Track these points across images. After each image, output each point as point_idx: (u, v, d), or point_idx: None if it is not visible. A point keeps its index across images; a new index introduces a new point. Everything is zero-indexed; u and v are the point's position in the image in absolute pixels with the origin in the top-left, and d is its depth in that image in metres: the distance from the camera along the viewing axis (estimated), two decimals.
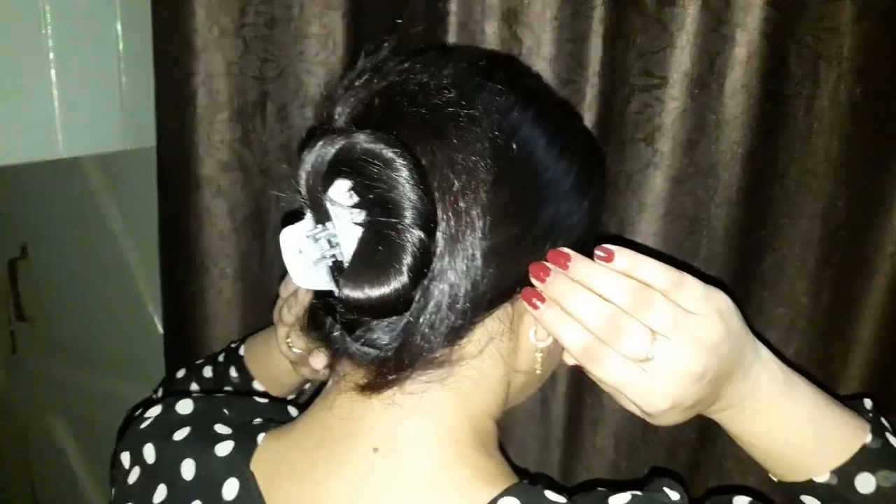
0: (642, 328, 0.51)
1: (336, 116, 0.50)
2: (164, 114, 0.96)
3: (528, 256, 0.53)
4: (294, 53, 0.91)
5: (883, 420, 0.62)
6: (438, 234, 0.48)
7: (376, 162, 0.45)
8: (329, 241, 0.48)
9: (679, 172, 0.80)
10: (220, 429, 0.60)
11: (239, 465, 0.56)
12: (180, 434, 0.59)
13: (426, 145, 0.48)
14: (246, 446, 0.57)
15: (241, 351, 0.83)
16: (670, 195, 0.81)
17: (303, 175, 0.47)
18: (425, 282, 0.48)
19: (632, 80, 0.79)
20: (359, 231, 0.47)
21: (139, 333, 1.50)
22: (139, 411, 0.64)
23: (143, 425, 0.62)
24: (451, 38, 0.82)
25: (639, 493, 0.50)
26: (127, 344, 1.56)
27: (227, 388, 0.81)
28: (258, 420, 0.62)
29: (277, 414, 0.64)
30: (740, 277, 0.84)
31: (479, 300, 0.50)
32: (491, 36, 0.81)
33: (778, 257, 0.84)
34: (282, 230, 0.49)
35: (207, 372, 0.83)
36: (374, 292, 0.46)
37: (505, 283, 0.52)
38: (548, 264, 0.52)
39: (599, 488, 0.53)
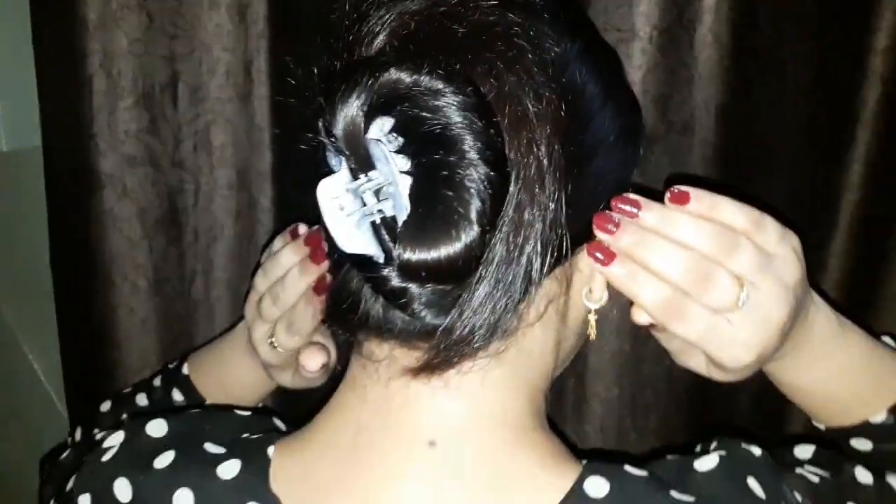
0: (731, 275, 0.46)
1: (369, 43, 0.42)
2: (51, 105, 0.82)
3: (591, 205, 0.47)
4: (209, 27, 0.80)
5: None
6: (511, 175, 0.40)
7: (428, 93, 0.38)
8: (376, 194, 0.40)
9: (651, 131, 0.75)
10: (213, 448, 0.49)
11: (254, 487, 0.47)
12: (162, 461, 0.49)
13: (487, 71, 0.40)
14: (256, 464, 0.48)
15: (185, 370, 0.71)
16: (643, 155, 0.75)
17: (340, 117, 0.38)
18: (498, 233, 0.41)
19: None
20: (410, 179, 0.39)
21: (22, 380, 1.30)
22: (86, 447, 0.54)
23: (106, 457, 0.50)
24: None
25: (723, 452, 0.47)
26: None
27: None
28: (254, 434, 0.51)
29: (265, 428, 0.53)
30: None
31: (548, 255, 0.43)
32: None
33: None
34: (318, 184, 0.40)
35: (141, 400, 0.71)
36: (443, 250, 0.38)
37: (574, 234, 0.44)
38: (614, 214, 0.47)
39: (669, 456, 0.49)
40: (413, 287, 0.41)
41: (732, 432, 0.51)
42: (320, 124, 0.40)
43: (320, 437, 0.49)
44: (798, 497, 0.47)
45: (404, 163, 0.39)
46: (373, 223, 0.40)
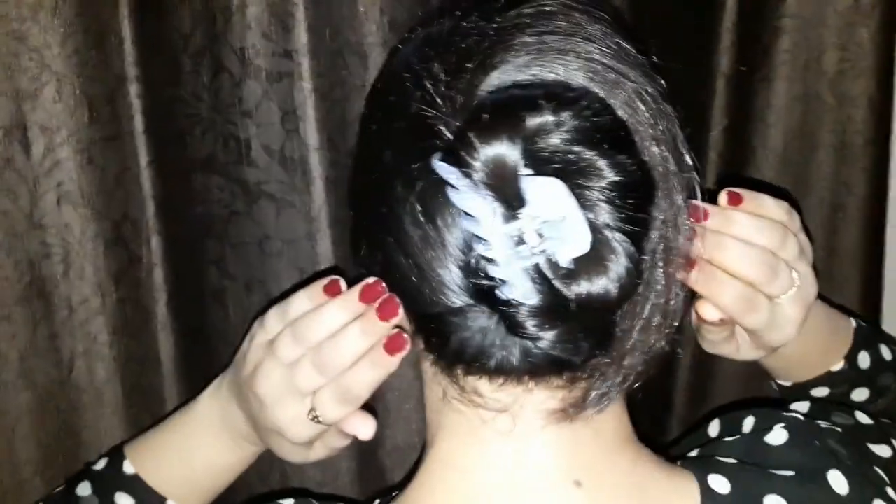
0: (786, 265, 0.52)
1: (479, 75, 0.40)
2: None
3: None
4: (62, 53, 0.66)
5: None
6: (658, 188, 0.41)
7: (572, 130, 0.37)
8: (538, 233, 0.37)
9: None
10: None
11: None
12: None
13: (610, 86, 0.41)
14: None
15: (129, 467, 0.58)
16: None
17: (485, 156, 0.36)
18: (650, 258, 0.42)
19: None
20: (567, 203, 0.36)
21: None
22: None
23: None
24: (301, 13, 0.67)
25: (784, 423, 0.51)
26: None
27: None
28: None
29: None
30: None
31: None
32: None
33: None
34: (484, 245, 0.38)
35: None
36: (601, 283, 0.37)
37: None
38: None
39: (725, 439, 0.53)
40: (564, 325, 0.38)
41: (746, 404, 0.57)
42: (447, 163, 0.37)
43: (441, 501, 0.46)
44: (837, 447, 0.51)
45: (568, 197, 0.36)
46: (539, 263, 0.37)
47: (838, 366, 0.63)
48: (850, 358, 0.64)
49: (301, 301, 0.52)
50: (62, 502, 0.59)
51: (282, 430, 0.52)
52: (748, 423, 0.54)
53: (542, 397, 0.44)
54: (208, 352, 0.75)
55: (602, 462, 0.46)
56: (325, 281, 0.52)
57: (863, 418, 0.56)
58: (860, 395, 0.65)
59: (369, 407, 0.53)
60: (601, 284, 0.36)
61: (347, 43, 0.71)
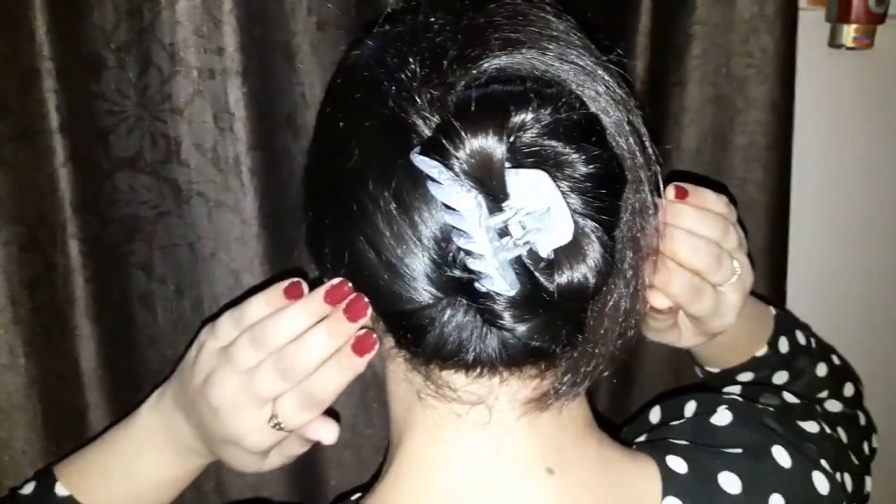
0: (728, 254, 0.54)
1: (457, 71, 0.41)
2: None
3: None
4: None
5: None
6: (628, 179, 0.42)
7: (551, 125, 0.37)
8: (521, 225, 0.38)
9: None
10: None
11: None
12: None
13: (581, 83, 0.43)
14: None
15: (61, 490, 0.55)
16: None
17: (468, 149, 0.36)
18: (620, 248, 0.42)
19: None
20: (551, 195, 0.37)
21: None
22: None
23: None
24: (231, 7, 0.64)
25: (726, 406, 0.53)
26: None
27: None
28: None
29: None
30: None
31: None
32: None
33: None
34: (466, 238, 0.38)
35: None
36: (576, 272, 0.37)
37: None
38: None
39: (672, 422, 0.54)
40: (542, 315, 0.39)
41: (684, 390, 0.61)
42: (427, 157, 0.37)
43: (413, 501, 0.45)
44: (774, 425, 0.54)
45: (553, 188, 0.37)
46: (522, 254, 0.38)
47: (762, 351, 0.67)
48: (772, 343, 0.67)
49: (258, 305, 0.51)
50: None
51: (239, 439, 0.50)
52: (690, 408, 0.56)
53: (516, 387, 0.44)
54: (135, 359, 0.71)
55: (570, 448, 0.47)
56: (285, 283, 0.50)
57: (789, 398, 0.60)
58: (780, 378, 0.69)
59: (331, 410, 0.52)
60: (581, 272, 0.37)
61: (276, 42, 0.69)
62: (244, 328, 0.50)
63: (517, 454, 0.45)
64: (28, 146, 0.64)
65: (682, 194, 0.54)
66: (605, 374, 0.46)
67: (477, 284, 0.38)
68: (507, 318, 0.38)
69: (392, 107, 0.40)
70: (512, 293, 0.37)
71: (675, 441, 0.51)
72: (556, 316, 0.39)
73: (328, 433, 0.52)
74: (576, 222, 0.37)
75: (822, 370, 0.70)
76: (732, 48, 0.82)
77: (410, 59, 0.41)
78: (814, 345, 0.71)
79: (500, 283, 0.37)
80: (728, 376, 0.68)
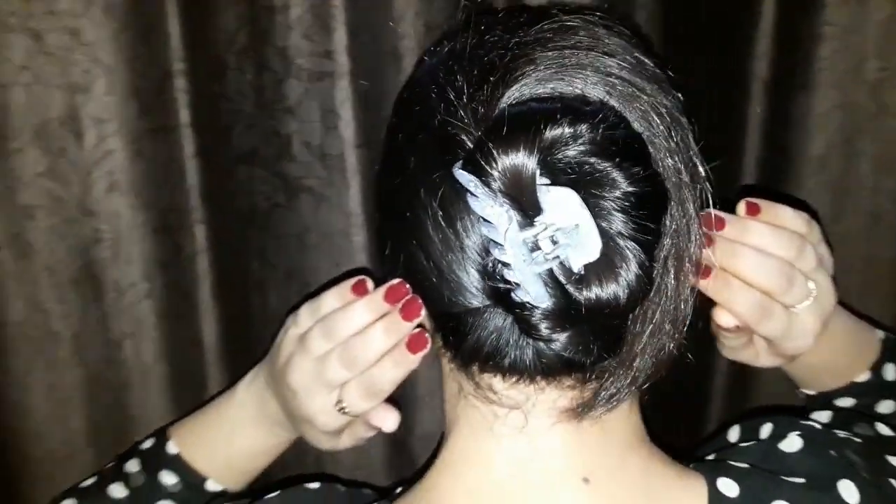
0: (803, 275, 0.52)
1: (500, 88, 0.42)
2: None
3: None
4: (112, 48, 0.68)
5: None
6: (671, 199, 0.43)
7: (588, 143, 0.38)
8: (552, 240, 0.39)
9: None
10: None
11: None
12: None
13: (627, 100, 0.43)
14: None
15: (172, 448, 0.63)
16: None
17: (503, 165, 0.37)
18: (660, 266, 0.43)
19: None
20: (580, 213, 0.38)
21: None
22: None
23: None
24: (342, 15, 0.68)
25: (800, 432, 0.52)
26: None
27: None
28: None
29: (341, 499, 0.55)
30: None
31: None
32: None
33: None
34: (500, 250, 0.39)
35: (117, 491, 0.62)
36: (612, 288, 0.38)
37: None
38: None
39: (741, 444, 0.54)
40: (575, 328, 0.40)
41: (767, 411, 0.60)
42: (467, 171, 0.39)
43: (451, 493, 0.48)
44: (856, 458, 0.52)
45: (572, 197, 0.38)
46: (554, 268, 0.39)
47: (863, 377, 0.64)
48: (876, 369, 0.64)
49: (331, 298, 0.55)
50: (113, 476, 0.63)
51: (311, 419, 0.55)
52: (765, 430, 0.55)
53: (554, 396, 0.45)
54: (249, 338, 0.78)
55: (611, 460, 0.47)
56: (352, 280, 0.55)
57: (884, 430, 0.57)
58: (886, 407, 0.65)
59: (394, 400, 0.55)
60: (611, 290, 0.38)
61: (384, 45, 0.72)
62: (318, 318, 0.55)
63: (553, 461, 0.47)
64: (163, 139, 0.72)
65: (753, 210, 0.53)
66: (646, 388, 0.46)
67: (514, 294, 0.39)
68: (541, 329, 0.39)
69: (440, 121, 0.42)
70: (545, 305, 0.38)
71: (734, 463, 0.50)
72: (589, 330, 0.40)
73: (388, 421, 0.56)
74: (613, 239, 0.38)
75: None
76: (864, 50, 0.76)
77: (460, 77, 0.43)
78: None
79: (530, 294, 0.39)
80: (825, 400, 0.66)
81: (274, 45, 0.70)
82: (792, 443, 0.51)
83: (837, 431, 0.54)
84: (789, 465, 0.50)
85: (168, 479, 0.62)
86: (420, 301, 0.48)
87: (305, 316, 0.56)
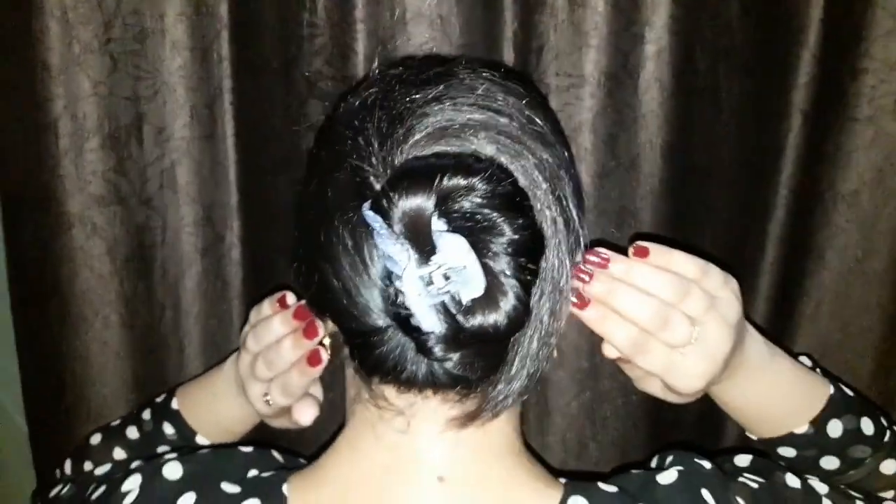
0: (685, 317, 0.54)
1: (404, 140, 0.48)
2: (7, 149, 0.84)
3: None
4: (172, 67, 0.82)
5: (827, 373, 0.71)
6: (547, 245, 0.49)
7: (477, 190, 0.44)
8: (445, 276, 0.45)
9: (602, 167, 0.79)
10: (229, 487, 0.55)
11: None
12: (184, 502, 0.54)
13: (514, 157, 0.49)
14: (274, 501, 0.54)
15: (175, 405, 0.74)
16: (595, 189, 0.80)
17: (402, 210, 0.44)
18: (537, 297, 0.49)
19: (548, 80, 0.77)
20: (467, 256, 0.44)
21: None
22: (103, 489, 0.58)
23: (127, 501, 0.55)
24: (360, 45, 0.77)
25: (681, 467, 0.55)
26: None
27: (162, 448, 0.73)
28: (263, 472, 0.57)
29: (267, 463, 0.60)
30: None
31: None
32: (403, 42, 0.77)
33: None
34: (400, 282, 0.45)
35: (132, 433, 0.75)
36: (492, 317, 0.44)
37: None
38: (587, 266, 0.54)
39: (633, 470, 0.57)
40: (463, 350, 0.46)
41: (685, 447, 0.60)
42: (373, 212, 0.44)
43: (334, 474, 0.55)
44: (742, 502, 0.54)
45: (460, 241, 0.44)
46: (445, 301, 0.45)
47: (801, 429, 0.65)
48: (818, 423, 0.65)
49: (267, 306, 0.66)
50: (132, 421, 0.75)
51: (252, 403, 0.66)
52: (667, 461, 0.58)
53: (436, 405, 0.52)
54: None
55: (474, 464, 0.53)
56: (278, 295, 0.65)
57: (793, 482, 0.59)
58: (829, 462, 0.66)
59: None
60: (493, 318, 0.44)
61: (402, 70, 0.81)
62: (256, 321, 0.65)
63: (419, 460, 0.53)
64: (211, 146, 0.85)
65: (641, 253, 0.55)
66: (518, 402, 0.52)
67: (412, 320, 0.45)
68: (436, 351, 0.46)
69: (354, 163, 0.48)
70: (437, 330, 0.45)
71: (602, 486, 0.54)
72: (474, 352, 0.47)
73: (305, 416, 0.65)
74: (497, 277, 0.44)
75: (891, 467, 0.65)
76: None
77: (370, 126, 0.49)
78: (887, 437, 0.66)
79: (424, 322, 0.45)
80: (769, 446, 0.68)
81: (300, 69, 0.79)
82: (669, 476, 0.55)
83: (734, 476, 0.57)
84: (660, 496, 0.54)
85: (168, 429, 0.73)
86: (318, 324, 0.58)
87: (254, 315, 0.67)
